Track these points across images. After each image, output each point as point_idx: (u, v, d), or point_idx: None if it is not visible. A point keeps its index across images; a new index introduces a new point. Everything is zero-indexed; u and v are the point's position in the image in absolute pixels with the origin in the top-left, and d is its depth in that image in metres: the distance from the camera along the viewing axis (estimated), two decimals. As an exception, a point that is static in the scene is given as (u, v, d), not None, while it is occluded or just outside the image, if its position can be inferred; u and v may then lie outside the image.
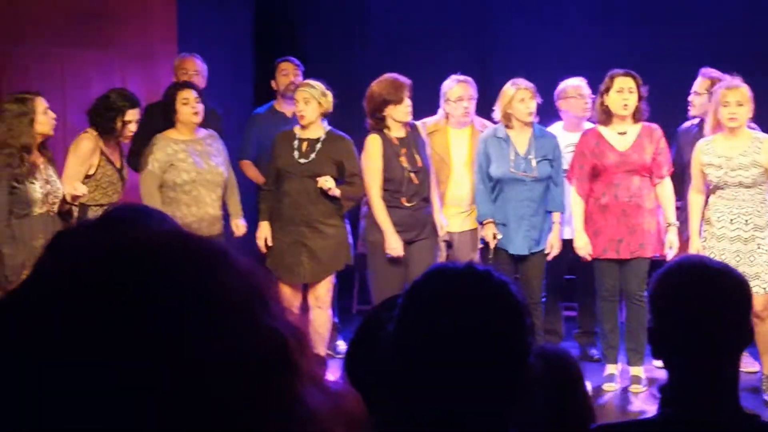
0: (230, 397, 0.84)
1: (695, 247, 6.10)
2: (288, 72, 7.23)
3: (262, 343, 0.87)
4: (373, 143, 6.42)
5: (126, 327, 0.83)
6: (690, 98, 6.70)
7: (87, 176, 6.06)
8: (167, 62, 7.39)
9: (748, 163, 5.98)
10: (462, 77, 6.72)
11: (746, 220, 6.02)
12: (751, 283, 5.77)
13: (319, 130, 6.40)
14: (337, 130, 6.46)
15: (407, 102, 6.35)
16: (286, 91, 7.17)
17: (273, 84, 7.27)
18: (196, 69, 7.05)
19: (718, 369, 2.08)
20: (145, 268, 0.87)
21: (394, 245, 6.32)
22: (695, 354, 2.07)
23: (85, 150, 6.08)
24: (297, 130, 6.45)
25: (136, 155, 6.46)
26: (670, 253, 6.22)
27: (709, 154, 6.06)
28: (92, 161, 6.09)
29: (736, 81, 6.04)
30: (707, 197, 6.17)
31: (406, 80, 6.37)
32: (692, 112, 6.70)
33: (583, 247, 6.35)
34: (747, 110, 5.99)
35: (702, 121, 6.57)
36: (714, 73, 6.59)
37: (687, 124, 6.79)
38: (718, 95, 6.00)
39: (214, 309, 0.86)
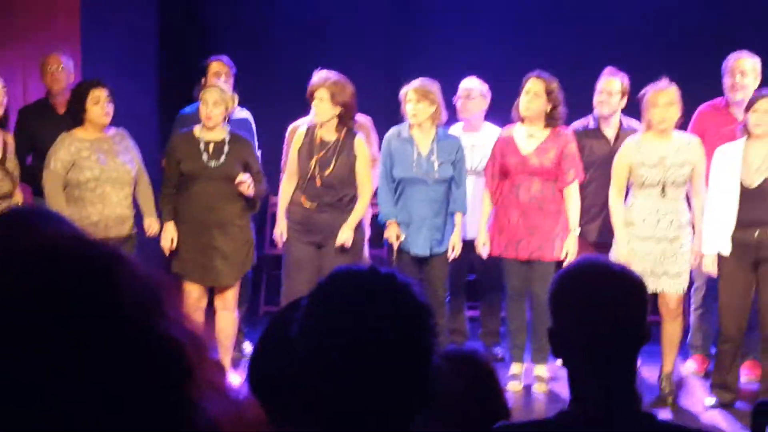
0: (125, 404, 0.83)
1: (622, 255, 6.14)
2: (221, 72, 7.11)
3: (158, 350, 0.86)
4: (292, 134, 6.57)
5: (16, 332, 0.82)
6: (601, 98, 6.74)
7: None
8: (71, 60, 7.26)
9: (681, 162, 6.11)
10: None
11: (671, 220, 6.13)
12: (671, 281, 5.99)
13: (222, 131, 6.36)
14: (236, 130, 6.45)
15: (314, 104, 6.35)
16: None
17: (204, 82, 7.13)
18: (60, 65, 6.96)
19: (615, 369, 2.12)
20: (35, 273, 0.85)
21: (277, 231, 6.44)
22: (592, 354, 2.11)
23: None
24: (198, 132, 6.37)
25: (23, 160, 6.48)
26: (566, 260, 6.29)
27: (641, 153, 6.15)
28: None
29: (665, 83, 6.14)
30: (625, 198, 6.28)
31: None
32: (603, 109, 6.74)
33: (482, 245, 6.45)
34: (676, 111, 6.13)
35: (599, 120, 6.69)
36: (621, 73, 6.69)
37: (579, 125, 6.82)
38: (648, 97, 6.11)
39: (109, 314, 0.85)
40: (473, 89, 7.06)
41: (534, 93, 6.34)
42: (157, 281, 0.92)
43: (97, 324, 0.85)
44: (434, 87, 6.47)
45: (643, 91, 6.20)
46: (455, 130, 7.01)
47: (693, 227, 6.22)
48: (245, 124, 7.09)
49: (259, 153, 6.72)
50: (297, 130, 6.59)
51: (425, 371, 1.64)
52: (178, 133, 6.49)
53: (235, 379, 6.33)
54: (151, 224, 6.49)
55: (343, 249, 6.36)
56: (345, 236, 6.36)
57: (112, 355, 0.84)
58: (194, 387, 0.88)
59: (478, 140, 6.95)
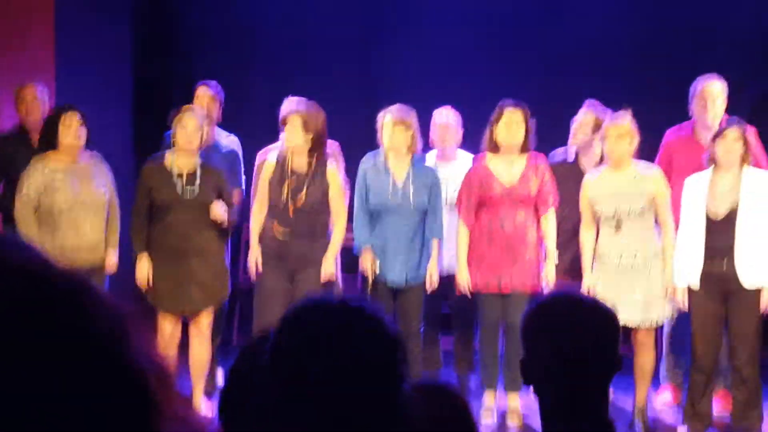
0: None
1: (587, 284, 6.19)
2: (204, 97, 7.06)
3: (123, 380, 0.85)
4: (263, 163, 6.53)
5: None
6: (574, 129, 6.78)
7: None
8: (46, 86, 7.24)
9: (636, 193, 6.13)
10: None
11: (636, 252, 6.14)
12: (642, 316, 5.99)
13: (194, 159, 6.34)
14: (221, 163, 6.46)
15: (286, 131, 6.35)
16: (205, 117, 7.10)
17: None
18: (35, 96, 6.92)
19: (587, 400, 2.12)
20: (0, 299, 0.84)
21: (251, 260, 6.43)
22: (564, 385, 2.11)
23: None
24: (169, 161, 6.34)
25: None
26: (546, 286, 6.32)
27: (597, 188, 6.19)
28: None
29: (620, 115, 6.17)
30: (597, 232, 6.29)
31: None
32: (573, 141, 6.80)
33: (464, 282, 6.41)
34: (628, 143, 6.14)
35: (577, 153, 6.73)
36: (599, 107, 6.72)
37: (558, 158, 6.85)
38: (602, 130, 6.16)
39: (73, 343, 0.84)
40: (452, 119, 7.07)
41: (516, 123, 6.36)
42: (122, 311, 0.91)
43: (61, 352, 0.84)
44: (411, 115, 6.48)
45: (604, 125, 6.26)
46: (429, 158, 7.01)
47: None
48: (233, 155, 7.10)
49: (244, 178, 6.75)
50: (267, 157, 6.58)
51: (394, 402, 1.63)
52: (148, 162, 6.46)
53: (209, 409, 6.30)
54: (111, 257, 6.42)
55: (315, 279, 6.34)
56: (328, 268, 6.38)
57: (74, 384, 0.83)
58: (158, 419, 0.87)
59: (452, 171, 6.92)
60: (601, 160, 6.43)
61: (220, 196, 6.32)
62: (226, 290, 6.46)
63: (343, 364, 1.59)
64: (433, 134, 7.08)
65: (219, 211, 6.25)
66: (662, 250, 6.18)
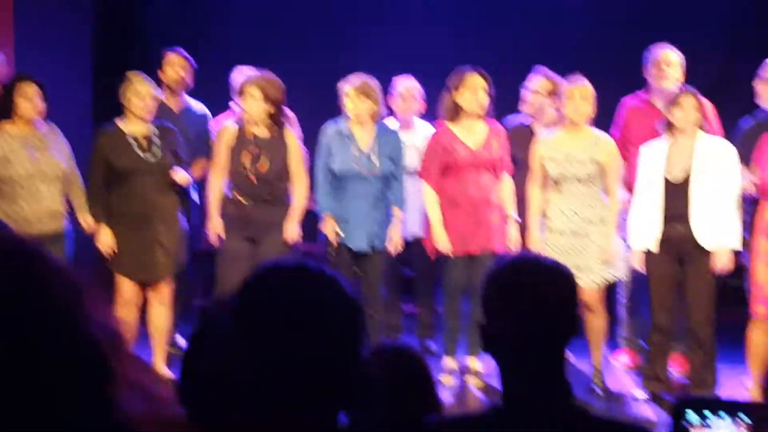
0: (42, 400, 0.83)
1: (534, 241, 6.26)
2: (177, 64, 7.04)
3: (78, 348, 0.86)
4: (223, 131, 6.51)
5: None
6: (527, 96, 6.85)
7: None
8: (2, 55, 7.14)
9: (586, 159, 6.19)
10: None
11: (579, 215, 6.22)
12: (582, 275, 6.06)
13: (147, 124, 6.34)
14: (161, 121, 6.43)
15: (245, 101, 6.33)
16: (176, 85, 7.05)
17: (160, 74, 7.06)
18: None
19: (545, 362, 2.14)
20: None
21: (210, 227, 6.42)
22: (522, 348, 2.13)
23: None
24: (124, 127, 6.32)
25: None
26: (512, 247, 6.40)
27: (550, 148, 6.23)
28: None
29: (581, 78, 6.23)
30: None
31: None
32: (526, 109, 6.87)
33: (443, 242, 6.44)
34: (589, 106, 6.20)
35: (533, 119, 6.80)
36: (550, 73, 6.79)
37: (515, 119, 6.94)
38: (565, 92, 6.19)
39: (29, 312, 0.85)
40: (414, 88, 7.10)
41: (482, 89, 6.40)
42: (78, 279, 0.92)
43: (17, 320, 0.84)
44: (374, 84, 6.50)
45: (560, 88, 6.29)
46: (391, 126, 7.02)
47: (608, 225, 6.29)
48: (205, 119, 7.14)
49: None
50: (227, 126, 6.57)
51: (353, 366, 1.65)
52: (102, 131, 6.41)
53: (169, 374, 6.31)
54: (87, 220, 6.40)
55: (278, 244, 6.36)
56: (292, 232, 6.42)
57: (30, 352, 0.84)
58: (113, 385, 0.88)
59: (412, 139, 6.97)
60: (555, 125, 6.50)
61: (175, 156, 6.32)
62: (184, 255, 6.48)
63: (302, 326, 1.61)
64: (394, 103, 7.10)
65: (184, 175, 6.26)
66: (605, 217, 6.24)
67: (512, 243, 6.45)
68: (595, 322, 6.29)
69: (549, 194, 6.31)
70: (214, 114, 7.26)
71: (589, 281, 6.22)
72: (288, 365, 1.60)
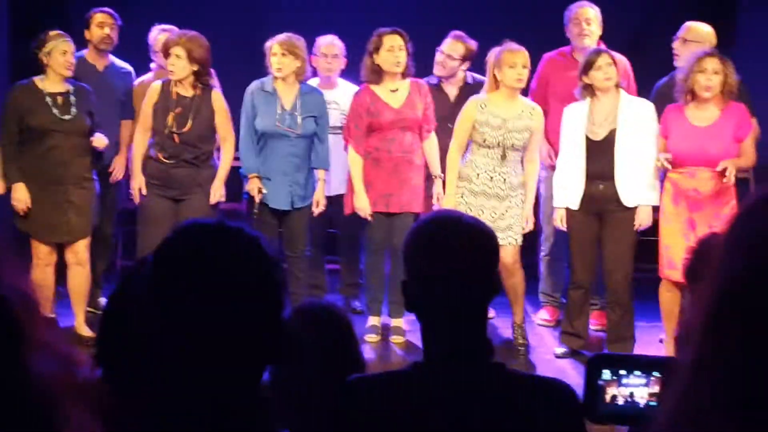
0: None
1: (451, 202, 6.30)
2: (104, 22, 6.92)
3: None
4: (148, 90, 6.47)
5: None
6: (441, 59, 6.87)
7: None
8: None
9: (522, 127, 6.24)
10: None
11: (505, 179, 6.27)
12: (503, 235, 6.14)
13: (64, 83, 6.25)
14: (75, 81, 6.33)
15: (170, 62, 6.26)
16: (103, 44, 6.92)
17: (86, 34, 6.94)
18: None
19: (466, 320, 2.15)
20: None
21: (134, 185, 6.37)
22: (444, 305, 2.15)
23: None
24: (40, 84, 6.22)
25: None
26: (437, 205, 6.43)
27: (485, 113, 6.25)
28: None
29: (516, 44, 6.23)
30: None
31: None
32: (441, 72, 6.90)
33: (364, 208, 6.45)
34: (527, 73, 6.23)
35: (440, 81, 6.86)
36: (466, 38, 6.83)
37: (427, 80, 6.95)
38: (503, 57, 6.17)
39: None
40: (337, 47, 7.07)
41: (399, 47, 6.41)
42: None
43: None
44: (300, 42, 6.48)
45: (492, 52, 6.28)
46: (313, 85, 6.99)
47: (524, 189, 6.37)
48: (130, 77, 7.08)
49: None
50: (152, 85, 6.49)
51: (275, 323, 1.65)
52: (17, 86, 6.29)
53: (91, 334, 6.26)
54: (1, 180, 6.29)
55: (201, 204, 6.32)
56: (218, 192, 6.41)
57: None
58: (24, 347, 0.87)
59: (335, 97, 6.96)
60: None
61: (90, 118, 6.25)
62: (97, 216, 6.42)
63: (221, 285, 1.60)
64: (317, 62, 7.08)
65: (102, 138, 6.20)
66: (526, 181, 6.31)
67: (438, 200, 6.48)
68: (513, 281, 6.36)
69: (474, 156, 6.33)
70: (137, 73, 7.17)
71: (511, 239, 6.29)
72: (207, 324, 1.60)
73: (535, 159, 6.39)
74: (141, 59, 7.23)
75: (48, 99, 6.17)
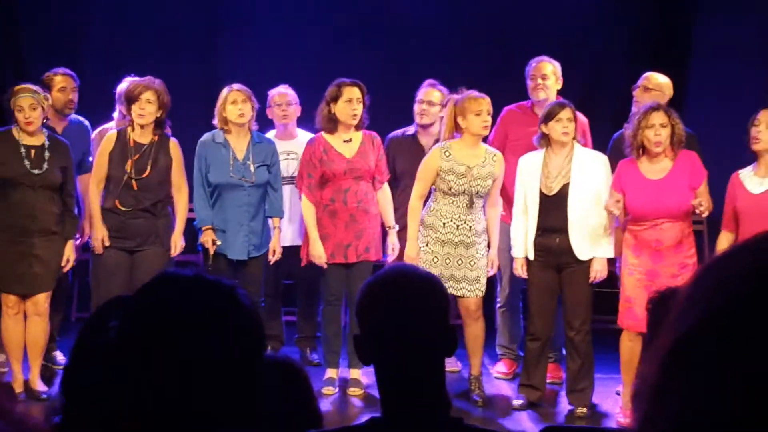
0: None
1: (413, 252, 6.31)
2: (66, 87, 6.80)
3: None
4: (104, 139, 6.42)
5: None
6: (423, 108, 6.89)
7: None
8: None
9: (485, 174, 6.28)
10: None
11: (470, 227, 6.30)
12: (470, 287, 6.16)
13: (41, 135, 6.22)
14: (56, 134, 6.29)
15: (141, 106, 6.24)
16: (65, 108, 6.81)
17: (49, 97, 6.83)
18: None
19: (422, 374, 2.14)
20: None
21: (97, 236, 6.30)
22: (399, 360, 2.13)
23: None
24: (17, 134, 6.18)
25: None
26: (391, 256, 6.44)
27: (450, 161, 6.28)
28: None
29: (477, 92, 6.28)
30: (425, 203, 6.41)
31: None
32: (425, 120, 6.91)
33: (320, 256, 6.44)
34: (490, 120, 6.30)
35: (416, 132, 6.86)
36: (439, 84, 6.89)
37: (397, 132, 7.03)
38: (466, 105, 6.20)
39: None
40: (289, 95, 7.12)
41: (357, 100, 6.45)
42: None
43: None
44: (250, 92, 6.51)
45: (453, 99, 6.32)
46: (268, 136, 7.00)
47: (487, 235, 6.41)
48: (85, 128, 6.99)
49: (91, 159, 6.62)
50: (107, 134, 6.48)
51: (253, 376, 1.63)
52: None
53: (43, 388, 6.16)
54: None
55: (158, 254, 6.29)
56: (179, 244, 6.41)
57: None
58: None
59: (293, 147, 6.98)
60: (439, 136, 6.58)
61: (64, 173, 6.21)
62: (60, 267, 6.33)
63: (197, 339, 1.57)
64: (273, 113, 7.11)
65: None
66: (488, 228, 6.36)
67: (392, 252, 6.49)
68: (474, 331, 6.37)
69: (438, 205, 6.35)
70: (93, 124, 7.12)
71: (476, 291, 6.31)
72: (186, 376, 1.56)
73: (496, 203, 6.44)
74: (93, 108, 7.18)
75: (23, 150, 6.14)
